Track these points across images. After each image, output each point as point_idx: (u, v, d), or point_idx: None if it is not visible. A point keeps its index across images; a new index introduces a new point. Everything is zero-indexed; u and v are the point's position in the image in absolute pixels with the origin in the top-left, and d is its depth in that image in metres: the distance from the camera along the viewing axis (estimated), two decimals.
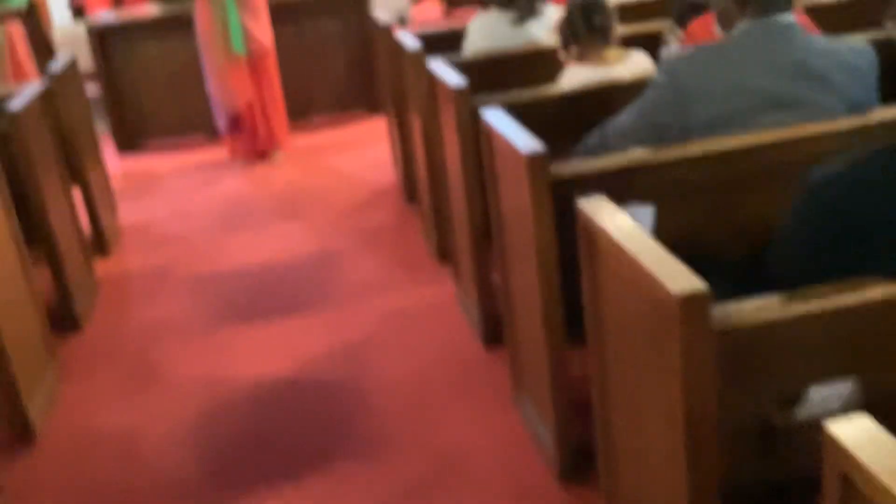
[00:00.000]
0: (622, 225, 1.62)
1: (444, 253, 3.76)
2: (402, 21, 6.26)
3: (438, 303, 3.52)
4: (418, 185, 4.18)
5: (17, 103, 3.45)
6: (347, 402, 2.93)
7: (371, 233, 4.29)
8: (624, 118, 2.30)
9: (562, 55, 3.07)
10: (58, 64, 4.24)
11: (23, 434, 2.90)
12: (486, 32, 3.56)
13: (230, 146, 5.46)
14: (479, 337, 3.19)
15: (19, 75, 5.26)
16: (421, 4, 7.77)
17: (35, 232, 3.44)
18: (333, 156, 5.45)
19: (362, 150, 5.44)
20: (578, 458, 2.39)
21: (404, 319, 3.43)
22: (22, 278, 3.14)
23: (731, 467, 1.61)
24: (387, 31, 4.29)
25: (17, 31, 5.30)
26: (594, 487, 2.28)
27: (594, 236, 1.71)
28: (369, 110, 5.92)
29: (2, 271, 2.93)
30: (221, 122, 5.35)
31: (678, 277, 1.39)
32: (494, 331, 3.09)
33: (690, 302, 1.35)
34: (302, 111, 5.87)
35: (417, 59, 3.51)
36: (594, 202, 1.74)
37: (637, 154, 2.11)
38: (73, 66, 4.42)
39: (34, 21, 6.93)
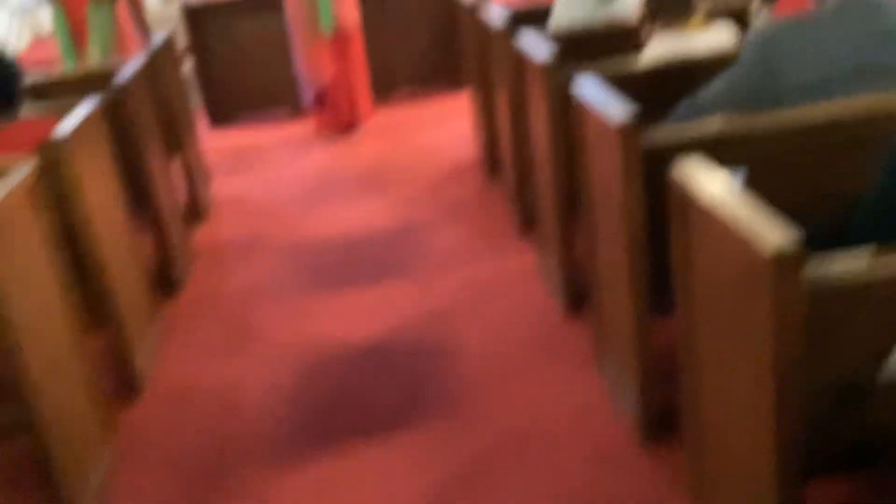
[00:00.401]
0: (717, 183, 1.68)
1: (527, 225, 3.84)
2: None
3: (521, 272, 3.61)
4: (501, 158, 4.26)
5: (124, 75, 3.64)
6: (433, 365, 3.05)
7: (453, 205, 4.39)
8: (715, 87, 2.35)
9: (645, 29, 3.10)
10: (157, 40, 4.44)
11: (131, 386, 3.10)
12: (570, 10, 3.61)
13: (316, 121, 5.63)
14: (560, 305, 3.27)
15: (127, 52, 5.50)
16: None
17: (139, 199, 3.63)
18: (415, 130, 5.56)
19: (444, 125, 5.54)
20: (661, 424, 2.46)
21: (487, 288, 3.53)
22: (129, 243, 3.34)
23: (817, 426, 1.66)
24: (471, 7, 4.37)
25: (123, 10, 5.55)
26: (676, 452, 2.35)
27: (687, 196, 1.77)
28: (451, 86, 6.01)
29: (112, 236, 3.12)
30: (308, 98, 5.51)
31: (773, 233, 1.45)
32: (576, 299, 3.17)
33: (784, 257, 1.41)
34: (385, 86, 5.99)
35: (505, 34, 3.58)
36: (688, 163, 1.80)
37: (726, 123, 2.16)
38: (170, 42, 4.62)
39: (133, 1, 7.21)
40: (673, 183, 1.84)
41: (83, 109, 3.07)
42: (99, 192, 3.06)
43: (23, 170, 2.46)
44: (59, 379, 2.48)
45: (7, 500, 2.62)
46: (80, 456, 2.52)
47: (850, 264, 1.51)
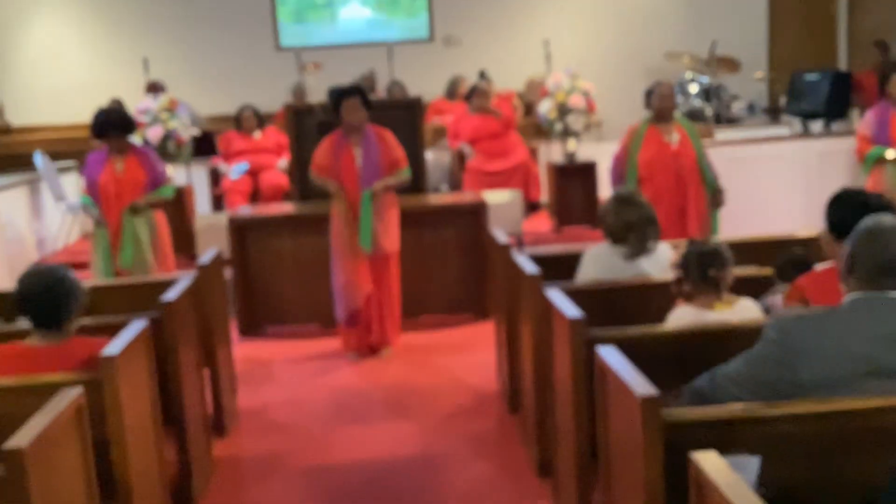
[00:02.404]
0: (733, 486, 1.77)
1: (545, 467, 3.87)
2: (517, 234, 6.63)
3: None
4: (523, 396, 4.36)
5: (171, 294, 3.85)
6: None
7: (475, 438, 4.44)
8: (734, 368, 2.47)
9: (674, 290, 3.29)
10: (206, 257, 4.71)
11: None
12: (598, 263, 3.83)
13: (344, 339, 5.79)
14: None
15: (162, 260, 5.78)
16: (533, 219, 8.25)
17: (168, 408, 3.73)
18: (441, 357, 5.69)
19: (468, 354, 5.68)
20: None
21: None
22: (156, 458, 3.41)
23: None
24: (504, 249, 4.62)
25: (162, 218, 5.86)
26: None
27: (704, 489, 1.85)
28: (477, 315, 6.21)
29: (140, 449, 3.20)
30: (340, 315, 5.70)
31: None
32: None
33: None
34: (414, 310, 6.19)
35: (534, 284, 3.78)
36: (706, 457, 1.90)
37: (746, 406, 2.27)
38: (218, 258, 4.89)
39: (180, 207, 7.65)
40: (692, 467, 1.93)
41: (131, 331, 3.24)
42: (135, 409, 3.17)
43: (70, 393, 2.59)
44: None
45: None
46: None
47: None
